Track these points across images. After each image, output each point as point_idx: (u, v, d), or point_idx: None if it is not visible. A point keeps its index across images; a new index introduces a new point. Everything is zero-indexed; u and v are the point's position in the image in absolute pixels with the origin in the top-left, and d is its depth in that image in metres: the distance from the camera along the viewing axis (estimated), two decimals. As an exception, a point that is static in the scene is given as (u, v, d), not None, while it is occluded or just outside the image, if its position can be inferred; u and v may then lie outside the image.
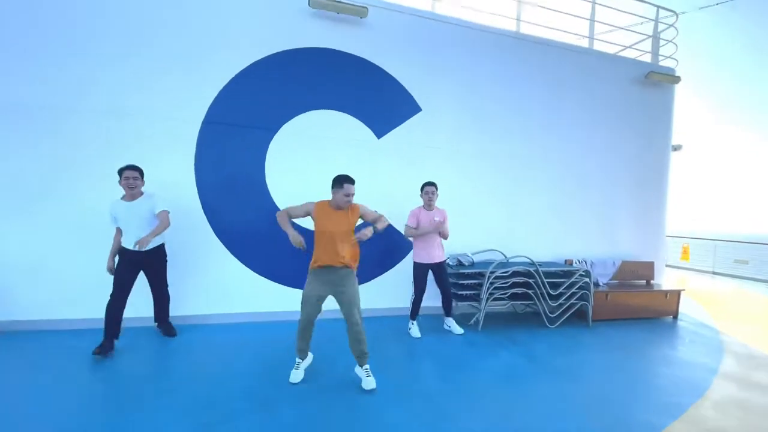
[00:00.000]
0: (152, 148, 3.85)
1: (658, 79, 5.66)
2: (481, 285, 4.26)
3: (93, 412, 2.43)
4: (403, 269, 4.56)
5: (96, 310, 3.22)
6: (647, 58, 6.16)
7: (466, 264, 4.39)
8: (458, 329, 4.18)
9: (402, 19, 4.56)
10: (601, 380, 3.21)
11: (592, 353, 3.81)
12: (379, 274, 4.61)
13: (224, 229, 4.12)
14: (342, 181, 2.88)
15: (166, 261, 3.62)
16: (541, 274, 4.40)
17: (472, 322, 4.36)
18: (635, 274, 5.58)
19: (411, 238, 4.12)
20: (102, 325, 3.20)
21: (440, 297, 4.21)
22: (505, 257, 4.76)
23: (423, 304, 4.07)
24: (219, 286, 4.12)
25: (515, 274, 4.37)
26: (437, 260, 4.04)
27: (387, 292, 4.58)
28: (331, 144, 4.38)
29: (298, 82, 4.27)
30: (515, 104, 5.08)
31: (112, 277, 3.29)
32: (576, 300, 4.61)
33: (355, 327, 2.87)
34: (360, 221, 3.04)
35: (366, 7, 4.25)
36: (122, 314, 3.26)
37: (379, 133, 4.58)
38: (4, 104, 3.52)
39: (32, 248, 3.63)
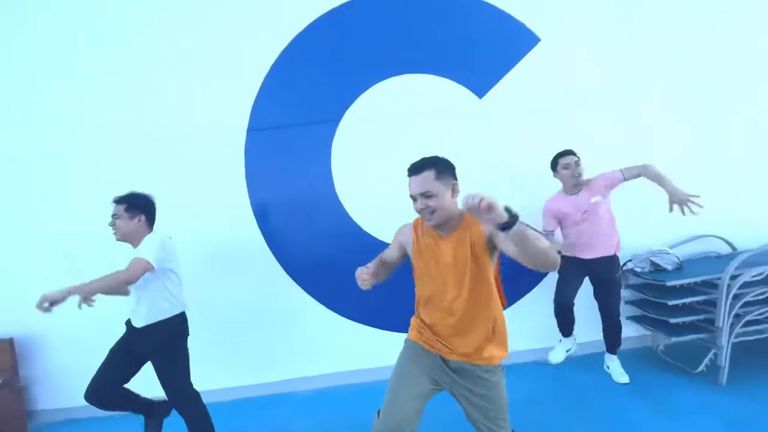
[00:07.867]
0: (192, 171, 3.01)
1: None
2: (709, 302, 2.45)
3: None
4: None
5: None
6: None
7: (670, 268, 2.59)
8: (622, 376, 2.56)
9: None
10: None
11: None
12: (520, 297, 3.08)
13: (296, 263, 3.07)
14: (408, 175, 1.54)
15: (176, 353, 2.07)
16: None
17: (701, 368, 2.52)
18: None
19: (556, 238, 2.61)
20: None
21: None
22: (733, 248, 2.81)
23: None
24: (301, 341, 3.10)
25: (775, 276, 2.45)
26: (601, 254, 2.49)
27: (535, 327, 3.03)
28: (412, 122, 3.03)
29: (357, 48, 3.03)
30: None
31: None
32: None
33: None
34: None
35: None
36: (120, 400, 2.13)
37: (481, 91, 3.09)
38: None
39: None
